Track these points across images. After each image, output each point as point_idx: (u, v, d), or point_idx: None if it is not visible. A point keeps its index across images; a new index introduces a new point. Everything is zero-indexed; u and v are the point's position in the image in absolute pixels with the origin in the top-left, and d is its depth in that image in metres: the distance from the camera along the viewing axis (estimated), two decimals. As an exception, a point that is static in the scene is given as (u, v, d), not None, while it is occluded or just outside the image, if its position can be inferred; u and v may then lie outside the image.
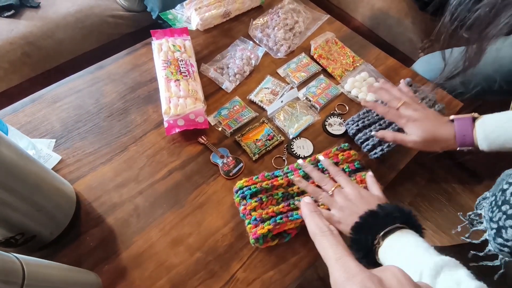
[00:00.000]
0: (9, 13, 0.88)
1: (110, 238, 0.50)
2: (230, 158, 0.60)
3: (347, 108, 0.68)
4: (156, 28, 0.71)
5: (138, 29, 1.03)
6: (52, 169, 0.55)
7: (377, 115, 0.62)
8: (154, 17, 0.94)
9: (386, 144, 0.58)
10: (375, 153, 0.58)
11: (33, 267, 0.31)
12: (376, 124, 0.60)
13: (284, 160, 0.61)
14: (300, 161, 0.55)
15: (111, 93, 0.66)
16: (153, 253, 0.49)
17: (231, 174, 0.58)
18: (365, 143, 0.59)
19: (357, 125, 0.60)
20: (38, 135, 0.59)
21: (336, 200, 0.45)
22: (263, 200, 0.52)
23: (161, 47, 0.69)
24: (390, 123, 0.60)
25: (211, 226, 0.52)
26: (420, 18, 1.07)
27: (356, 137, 0.60)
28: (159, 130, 0.62)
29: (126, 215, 0.52)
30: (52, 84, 0.66)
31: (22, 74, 0.89)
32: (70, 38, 0.91)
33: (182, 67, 0.66)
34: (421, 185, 1.21)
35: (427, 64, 0.78)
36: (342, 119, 0.66)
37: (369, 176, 0.49)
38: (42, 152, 0.56)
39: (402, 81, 0.61)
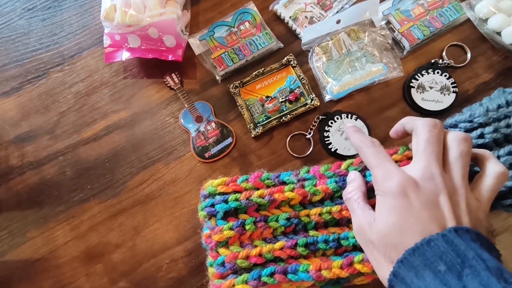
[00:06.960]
0: None
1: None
2: (213, 124, 0.33)
3: (468, 54, 0.34)
4: None
5: None
6: None
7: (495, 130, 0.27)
8: None
9: None
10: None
11: None
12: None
13: (310, 141, 0.33)
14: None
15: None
16: (54, 266, 0.30)
17: (206, 154, 0.33)
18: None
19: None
20: None
21: None
22: (246, 228, 0.27)
23: None
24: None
25: (155, 239, 0.31)
26: None
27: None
28: (101, 50, 0.35)
29: (25, 188, 0.32)
30: None
31: None
32: None
33: None
34: None
35: None
36: (451, 80, 0.33)
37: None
38: None
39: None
